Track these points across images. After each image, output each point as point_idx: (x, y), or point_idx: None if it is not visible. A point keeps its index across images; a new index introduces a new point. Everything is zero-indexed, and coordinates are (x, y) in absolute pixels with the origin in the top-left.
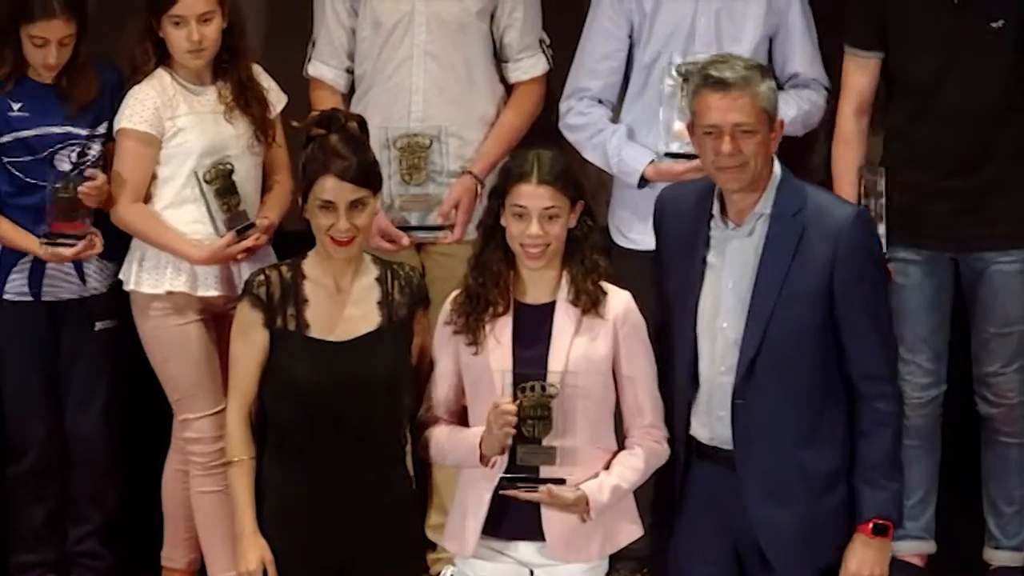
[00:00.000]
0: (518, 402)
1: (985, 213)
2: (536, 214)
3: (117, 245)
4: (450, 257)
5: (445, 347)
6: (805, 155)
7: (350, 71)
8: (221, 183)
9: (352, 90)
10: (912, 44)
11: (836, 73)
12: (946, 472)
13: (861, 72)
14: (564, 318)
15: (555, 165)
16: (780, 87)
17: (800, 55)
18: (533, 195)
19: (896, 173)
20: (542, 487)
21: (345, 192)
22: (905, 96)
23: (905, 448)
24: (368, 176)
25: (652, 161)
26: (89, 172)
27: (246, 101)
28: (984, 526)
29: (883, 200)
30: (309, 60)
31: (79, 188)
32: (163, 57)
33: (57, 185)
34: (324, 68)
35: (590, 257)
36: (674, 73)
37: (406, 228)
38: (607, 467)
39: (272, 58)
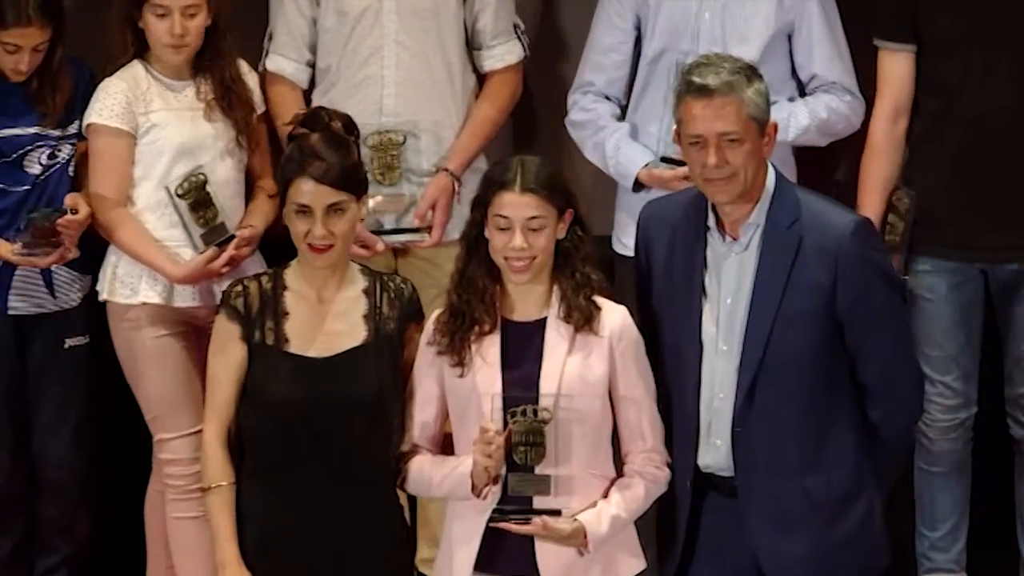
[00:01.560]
0: (508, 428)
1: (1017, 221)
2: (520, 225)
3: (90, 256)
4: (430, 264)
5: (428, 369)
6: (832, 167)
7: (311, 64)
8: (195, 196)
9: (313, 85)
10: (942, 37)
11: (870, 84)
12: (977, 501)
13: (894, 66)
14: (556, 336)
15: (540, 172)
16: (802, 91)
17: (819, 56)
18: (516, 204)
19: (921, 177)
20: (536, 519)
21: (322, 196)
22: (931, 96)
23: (933, 475)
24: (349, 179)
25: (648, 164)
26: (69, 202)
27: (229, 103)
28: (1019, 558)
29: (909, 225)
30: (266, 54)
31: (58, 222)
32: (141, 49)
33: (35, 216)
34: (284, 62)
35: (581, 270)
36: (677, 71)
37: (380, 232)
38: (605, 495)
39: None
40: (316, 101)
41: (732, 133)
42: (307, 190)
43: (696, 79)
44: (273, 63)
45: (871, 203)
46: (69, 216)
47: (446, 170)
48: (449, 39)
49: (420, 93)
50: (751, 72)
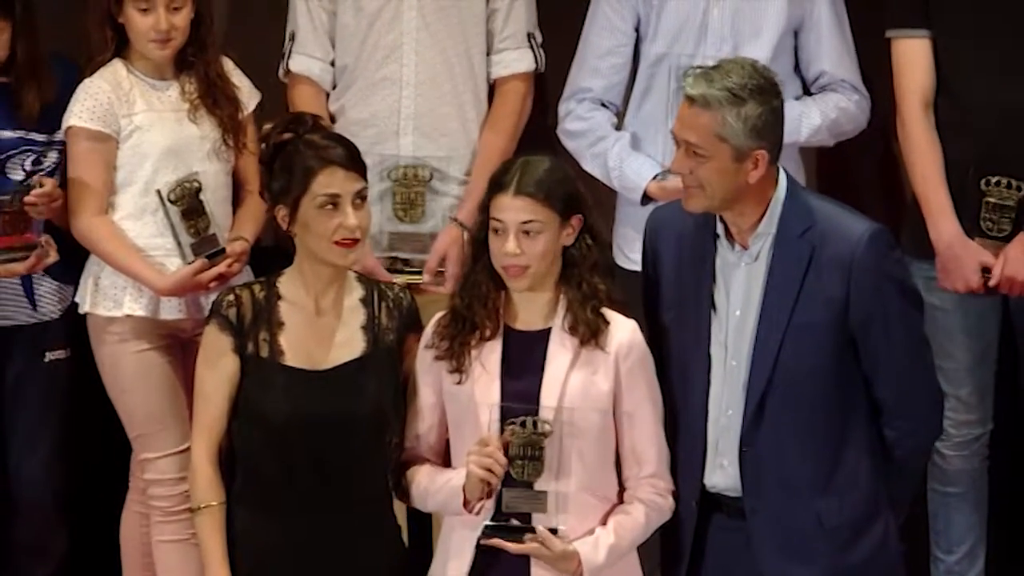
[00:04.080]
0: (506, 439)
1: None
2: (514, 229)
3: (72, 265)
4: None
5: (426, 375)
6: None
7: (335, 64)
8: (188, 203)
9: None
10: (953, 28)
11: (878, 88)
12: (996, 521)
13: (915, 55)
14: (559, 348)
15: (541, 175)
16: (806, 88)
17: (828, 52)
18: (510, 208)
19: None
20: (529, 537)
21: (350, 182)
22: (947, 88)
23: (947, 496)
24: (363, 166)
25: (656, 176)
26: (36, 179)
27: (214, 100)
28: None
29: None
30: (289, 56)
31: (25, 199)
32: (122, 46)
33: (2, 198)
34: (310, 62)
35: (588, 280)
36: (682, 75)
37: (394, 270)
38: (604, 522)
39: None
40: (332, 102)
41: (696, 146)
42: (337, 177)
43: (687, 82)
44: (298, 64)
45: (939, 202)
46: (37, 190)
47: (455, 220)
48: (472, 40)
49: (440, 95)
50: (749, 95)
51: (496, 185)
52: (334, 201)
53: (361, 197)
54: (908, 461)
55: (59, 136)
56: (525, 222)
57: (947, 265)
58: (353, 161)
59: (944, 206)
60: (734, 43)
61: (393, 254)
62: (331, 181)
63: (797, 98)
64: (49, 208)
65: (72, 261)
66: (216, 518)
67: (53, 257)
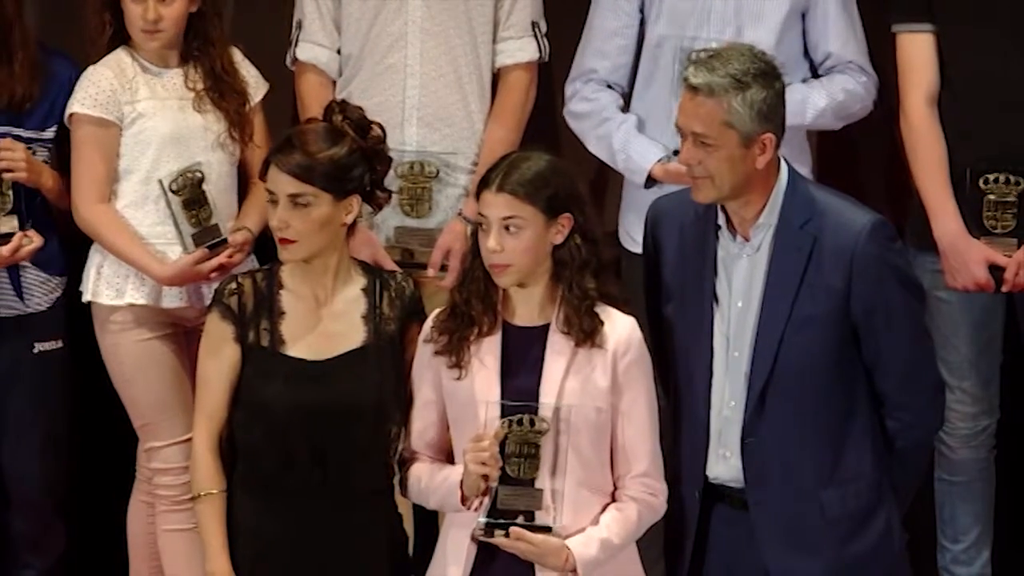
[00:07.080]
0: (500, 433)
1: None
2: (495, 225)
3: (63, 257)
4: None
5: (425, 371)
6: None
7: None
8: (189, 193)
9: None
10: (964, 18)
11: (884, 77)
12: (1002, 511)
13: (920, 50)
14: (556, 347)
15: (526, 171)
16: (814, 71)
17: (834, 34)
18: (491, 204)
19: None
20: (500, 532)
21: (283, 184)
22: (950, 85)
23: (953, 485)
24: (318, 173)
25: (662, 159)
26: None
27: (220, 94)
28: None
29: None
30: (296, 44)
31: None
32: (122, 32)
33: None
34: (318, 50)
35: (579, 281)
36: (681, 59)
37: (402, 263)
38: (595, 521)
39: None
40: (338, 90)
41: (704, 136)
42: (271, 176)
43: (688, 71)
44: (306, 52)
45: (939, 194)
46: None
47: (460, 214)
48: (478, 29)
49: (445, 84)
50: (752, 79)
51: (483, 181)
52: (271, 197)
53: (301, 202)
54: (910, 452)
55: (47, 134)
56: (505, 218)
57: (952, 263)
58: (299, 166)
59: (946, 204)
60: (737, 26)
61: (400, 247)
62: (271, 177)
63: (804, 81)
64: (27, 167)
65: (61, 252)
66: (216, 506)
67: (37, 242)
